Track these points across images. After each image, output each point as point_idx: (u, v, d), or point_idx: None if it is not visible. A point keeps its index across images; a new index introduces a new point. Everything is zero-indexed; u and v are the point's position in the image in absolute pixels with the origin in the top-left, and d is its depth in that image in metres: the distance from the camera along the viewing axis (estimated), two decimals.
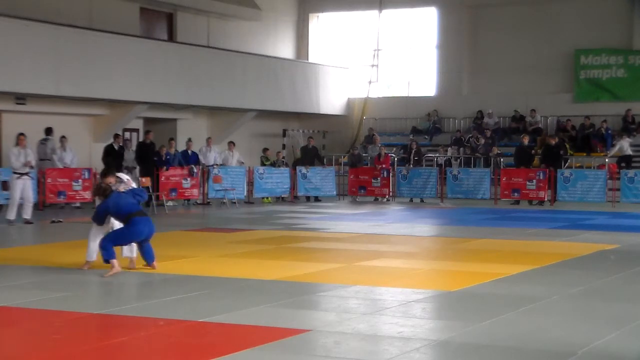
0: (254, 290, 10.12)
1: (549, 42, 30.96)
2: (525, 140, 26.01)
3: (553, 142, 25.33)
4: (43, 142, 22.92)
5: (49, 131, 23.02)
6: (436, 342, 7.53)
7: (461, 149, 29.63)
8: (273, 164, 26.90)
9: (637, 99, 29.84)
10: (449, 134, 31.43)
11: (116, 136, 23.86)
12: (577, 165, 27.74)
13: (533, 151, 26.28)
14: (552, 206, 24.27)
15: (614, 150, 27.70)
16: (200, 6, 29.14)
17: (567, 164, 27.05)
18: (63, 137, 23.02)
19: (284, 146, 30.98)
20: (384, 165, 26.56)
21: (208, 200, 24.76)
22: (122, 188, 11.71)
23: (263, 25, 32.11)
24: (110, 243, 11.19)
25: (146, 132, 25.14)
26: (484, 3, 32.20)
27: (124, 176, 12.41)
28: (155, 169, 23.13)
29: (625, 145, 27.44)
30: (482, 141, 28.26)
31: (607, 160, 27.08)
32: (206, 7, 29.31)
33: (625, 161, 27.07)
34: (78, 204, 22.51)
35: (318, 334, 7.80)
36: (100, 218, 11.50)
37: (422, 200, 26.13)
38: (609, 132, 29.01)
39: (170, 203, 23.40)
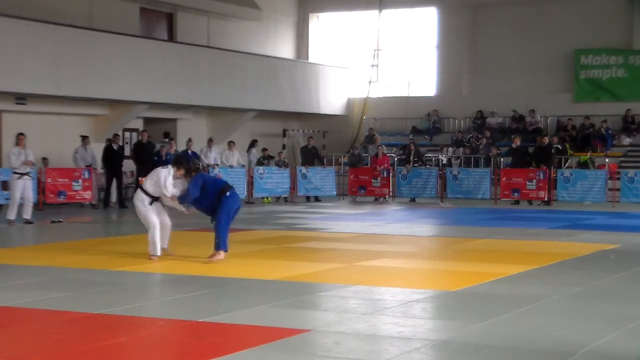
0: (254, 290, 10.11)
1: (549, 42, 30.95)
2: (517, 142, 25.87)
3: (545, 141, 25.31)
4: (161, 145, 24.08)
5: (166, 135, 23.94)
6: (436, 342, 7.52)
7: (461, 148, 29.63)
8: (272, 163, 26.89)
9: (637, 99, 29.85)
10: (449, 134, 31.43)
11: (115, 136, 23.88)
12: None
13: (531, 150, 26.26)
14: (550, 206, 24.27)
15: None
16: (200, 6, 29.12)
17: (567, 164, 27.05)
18: (85, 137, 23.58)
19: (284, 146, 30.97)
20: (385, 165, 26.56)
21: None
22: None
23: (263, 25, 32.10)
24: (227, 231, 12.34)
25: (142, 132, 25.11)
26: (484, 3, 32.20)
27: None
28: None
29: None
30: (483, 141, 28.18)
31: (607, 160, 27.08)
32: (206, 7, 29.30)
33: None
34: (87, 203, 22.74)
35: (318, 334, 7.80)
36: (197, 193, 12.40)
37: (413, 200, 26.15)
38: (609, 132, 29.02)
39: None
